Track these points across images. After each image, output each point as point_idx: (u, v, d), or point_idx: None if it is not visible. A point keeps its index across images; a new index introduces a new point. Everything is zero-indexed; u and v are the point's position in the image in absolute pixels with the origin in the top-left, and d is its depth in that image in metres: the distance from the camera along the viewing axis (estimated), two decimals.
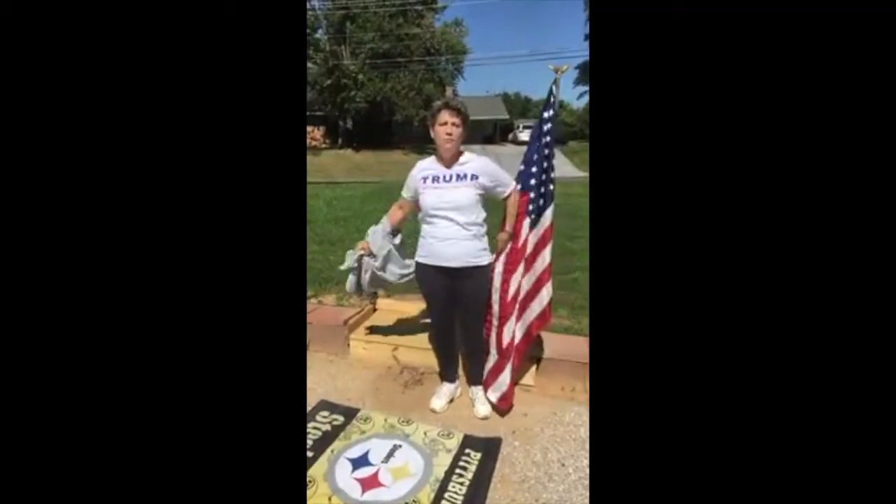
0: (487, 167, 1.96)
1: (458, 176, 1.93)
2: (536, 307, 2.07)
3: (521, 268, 2.08)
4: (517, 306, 2.09)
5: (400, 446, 1.91)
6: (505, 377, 2.11)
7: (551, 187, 2.06)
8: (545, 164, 2.04)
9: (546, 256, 2.05)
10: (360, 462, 1.82)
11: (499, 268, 2.14)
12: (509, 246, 2.12)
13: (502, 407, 2.14)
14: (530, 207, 2.06)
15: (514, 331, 2.09)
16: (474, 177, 1.92)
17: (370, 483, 1.71)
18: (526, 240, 2.07)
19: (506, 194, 2.03)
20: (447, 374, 2.27)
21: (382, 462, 1.82)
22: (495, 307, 2.16)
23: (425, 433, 1.99)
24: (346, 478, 1.73)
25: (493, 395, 2.16)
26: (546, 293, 2.05)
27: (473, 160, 1.97)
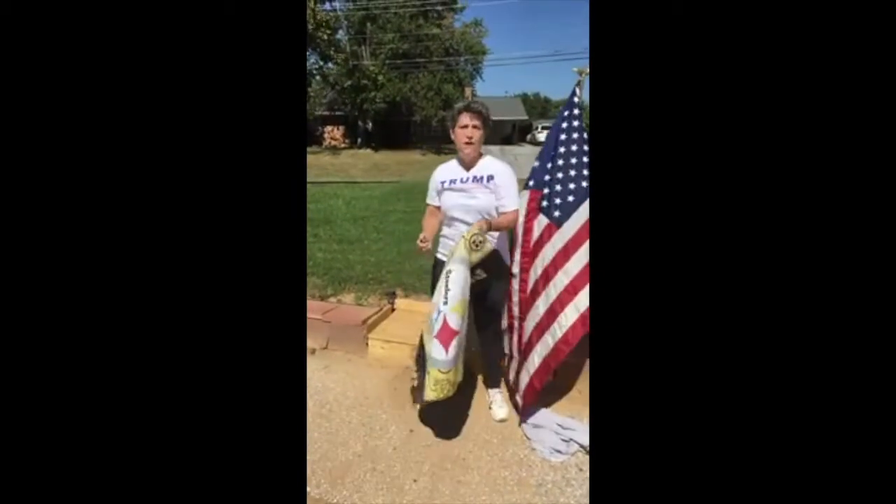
0: (505, 172, 1.91)
1: (475, 178, 1.91)
2: (571, 314, 1.88)
3: (536, 265, 2.03)
4: (536, 304, 2.01)
5: None
6: (523, 378, 2.05)
7: (583, 184, 1.94)
8: (563, 162, 1.97)
9: (580, 259, 1.88)
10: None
11: (514, 269, 2.11)
12: (520, 246, 2.11)
13: (526, 402, 2.04)
14: (544, 204, 2.02)
15: (532, 329, 2.02)
16: (490, 178, 1.89)
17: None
18: (541, 237, 2.01)
19: (505, 210, 1.89)
20: None
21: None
22: (515, 309, 2.12)
23: None
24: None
25: (520, 398, 2.08)
26: (583, 301, 1.86)
27: (494, 163, 1.94)
